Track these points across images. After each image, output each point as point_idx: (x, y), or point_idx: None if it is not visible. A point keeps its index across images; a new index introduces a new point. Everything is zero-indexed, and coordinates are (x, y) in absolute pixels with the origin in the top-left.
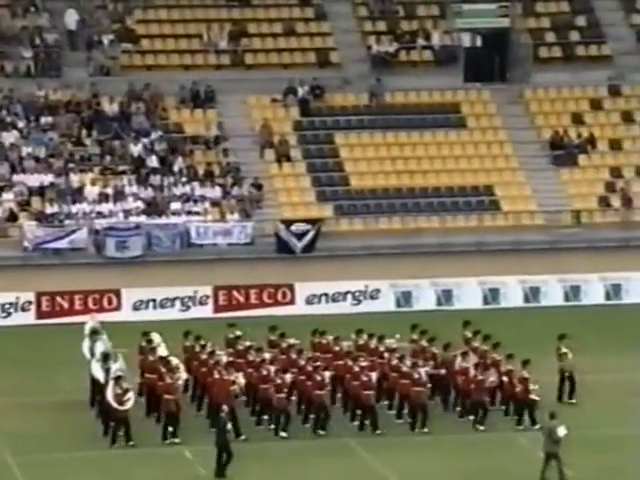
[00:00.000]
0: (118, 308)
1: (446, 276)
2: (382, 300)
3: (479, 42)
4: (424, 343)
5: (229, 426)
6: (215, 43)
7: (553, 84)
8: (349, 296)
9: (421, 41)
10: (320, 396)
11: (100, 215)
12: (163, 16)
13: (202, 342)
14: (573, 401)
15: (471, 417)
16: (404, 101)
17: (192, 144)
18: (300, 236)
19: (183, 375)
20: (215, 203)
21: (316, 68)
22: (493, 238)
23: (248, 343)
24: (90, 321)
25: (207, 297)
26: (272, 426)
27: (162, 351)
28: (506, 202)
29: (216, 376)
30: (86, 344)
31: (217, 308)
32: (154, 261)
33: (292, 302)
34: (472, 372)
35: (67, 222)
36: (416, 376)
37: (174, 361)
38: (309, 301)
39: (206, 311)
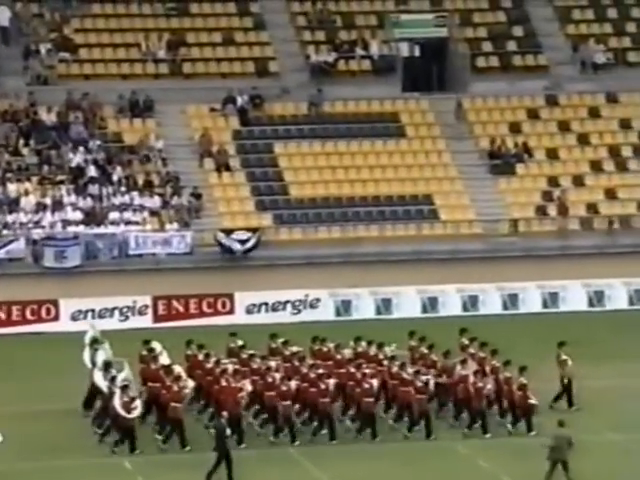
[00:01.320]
0: (56, 318)
1: (385, 285)
2: (322, 309)
3: (417, 52)
4: (423, 350)
5: (228, 432)
6: (154, 52)
7: (491, 94)
8: (289, 305)
9: (360, 51)
10: (325, 404)
11: (38, 225)
12: (101, 25)
13: (205, 351)
14: (573, 408)
15: (473, 426)
16: (343, 110)
17: (130, 154)
18: (242, 242)
19: (190, 383)
20: (154, 213)
21: (255, 77)
22: (432, 247)
23: (251, 351)
24: (90, 330)
25: (146, 307)
26: (271, 436)
27: (164, 359)
28: (444, 211)
29: (223, 384)
30: (87, 353)
31: (156, 318)
32: (93, 271)
33: (232, 312)
34: (471, 379)
35: (4, 232)
36: (419, 384)
37: (176, 369)
38: (249, 310)
39: (145, 321)
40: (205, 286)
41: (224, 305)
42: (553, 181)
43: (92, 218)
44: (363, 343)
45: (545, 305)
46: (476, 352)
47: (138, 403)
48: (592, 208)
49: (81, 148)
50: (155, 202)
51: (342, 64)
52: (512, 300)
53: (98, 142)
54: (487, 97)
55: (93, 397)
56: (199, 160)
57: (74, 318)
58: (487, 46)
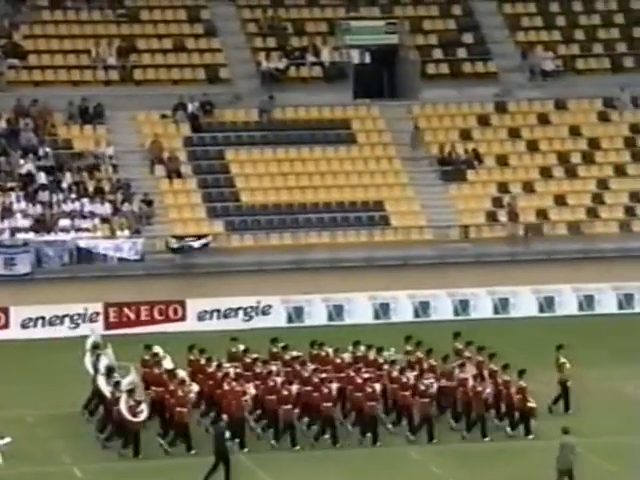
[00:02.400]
0: (6, 326)
1: (337, 291)
2: (274, 316)
3: (368, 59)
4: (419, 354)
5: (228, 434)
6: (104, 59)
7: (441, 100)
8: (240, 312)
9: (310, 57)
10: (328, 408)
11: None
12: (51, 31)
13: (206, 355)
14: (570, 411)
15: (472, 429)
16: (294, 117)
17: (81, 160)
18: (195, 242)
19: (195, 388)
20: (105, 219)
21: (206, 84)
22: (383, 253)
23: (255, 355)
24: (92, 336)
25: (97, 314)
26: (272, 440)
27: (168, 364)
28: (396, 217)
29: (226, 388)
30: (88, 359)
31: (108, 325)
32: (43, 278)
33: (183, 318)
34: (471, 383)
35: None
36: (422, 388)
37: (180, 373)
38: (200, 317)
39: (96, 328)
40: (156, 293)
41: (176, 312)
42: (503, 187)
43: (42, 225)
44: (362, 347)
45: (496, 311)
46: (472, 356)
47: (144, 407)
48: (542, 214)
49: (31, 155)
50: (106, 209)
51: (293, 71)
52: (463, 306)
53: (48, 149)
54: (437, 104)
55: (92, 401)
56: (150, 167)
57: (24, 326)
58: (437, 53)
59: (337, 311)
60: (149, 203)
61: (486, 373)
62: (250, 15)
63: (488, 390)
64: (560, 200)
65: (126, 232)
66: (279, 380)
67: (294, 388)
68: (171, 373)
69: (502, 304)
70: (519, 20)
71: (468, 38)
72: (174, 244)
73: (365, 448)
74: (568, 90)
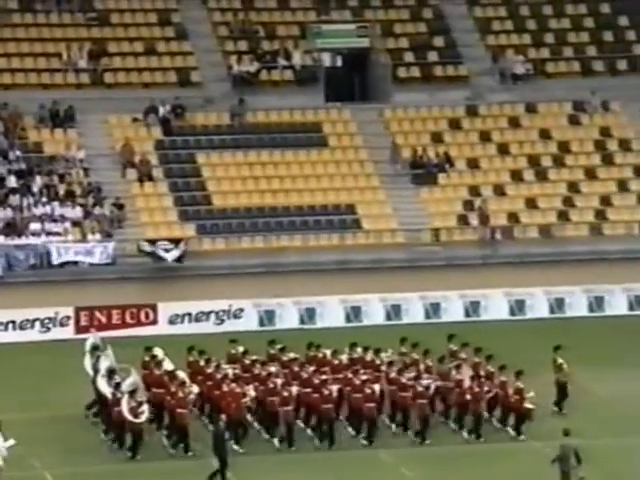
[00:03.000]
0: None
1: (309, 295)
2: (245, 319)
3: (339, 62)
4: (415, 356)
5: (227, 435)
6: (75, 62)
7: (412, 104)
8: (212, 315)
9: (282, 61)
10: (328, 410)
11: None
12: (21, 35)
13: (206, 356)
14: (564, 412)
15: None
16: (266, 120)
17: (51, 164)
18: (168, 250)
19: (195, 389)
20: (76, 223)
21: (177, 87)
22: (355, 256)
23: (254, 357)
24: (91, 337)
25: (68, 318)
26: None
27: (168, 365)
28: (367, 221)
29: (225, 389)
30: (87, 360)
31: (78, 329)
32: (13, 282)
33: (155, 322)
34: (467, 384)
35: None
36: (419, 389)
37: (180, 375)
38: (172, 321)
39: (67, 332)
40: (128, 297)
41: (147, 316)
42: (474, 190)
43: (12, 229)
44: (359, 349)
45: (467, 314)
46: (468, 357)
47: (145, 408)
48: (513, 217)
49: (1, 158)
50: (77, 212)
51: (264, 74)
52: (434, 309)
53: (18, 152)
54: (409, 107)
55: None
56: (121, 170)
57: None
58: (408, 56)
59: (309, 314)
60: (120, 207)
61: (483, 374)
62: (221, 18)
63: (485, 389)
64: (531, 203)
65: (97, 236)
66: (279, 382)
67: (294, 390)
68: (171, 374)
69: (473, 307)
70: (490, 24)
71: (439, 42)
72: (146, 247)
73: (334, 451)
74: (538, 93)
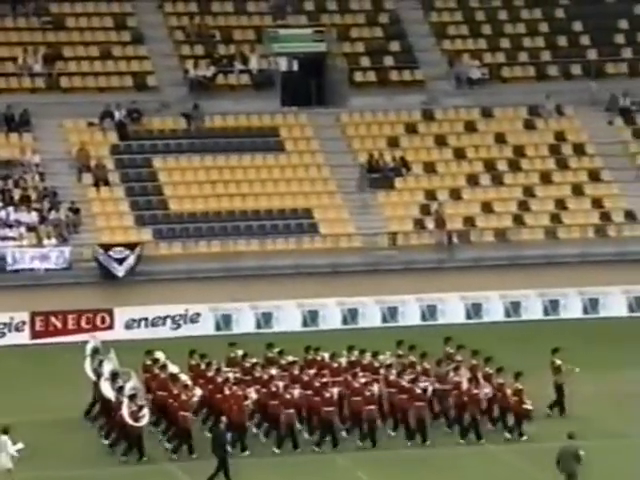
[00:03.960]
0: None
1: (266, 299)
2: (202, 324)
3: (295, 66)
4: (412, 358)
5: (228, 437)
6: (30, 66)
7: (368, 108)
8: (169, 320)
9: (238, 65)
10: (329, 413)
11: None
12: None
13: (207, 360)
14: (566, 414)
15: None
16: (222, 125)
17: (6, 168)
18: (120, 261)
19: (198, 392)
20: (31, 228)
21: (133, 91)
22: (312, 261)
23: (254, 360)
24: (91, 341)
25: (23, 323)
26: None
27: (172, 369)
28: (324, 225)
29: (227, 392)
30: (88, 364)
31: (34, 334)
32: None
33: (111, 327)
34: (465, 386)
35: None
36: (418, 391)
37: (183, 377)
38: (128, 326)
39: (22, 337)
40: (84, 302)
41: (103, 320)
42: (430, 195)
43: None
44: (355, 352)
45: (424, 318)
46: (463, 359)
47: (146, 412)
48: (469, 221)
49: None
50: (32, 217)
51: (221, 78)
52: (392, 313)
53: None
54: (365, 111)
55: (94, 406)
56: (77, 175)
57: None
58: (365, 61)
59: (266, 319)
60: (76, 211)
61: (481, 376)
62: (177, 23)
63: (486, 390)
64: (487, 207)
65: (53, 240)
66: (281, 385)
67: (296, 392)
68: (174, 377)
69: (430, 311)
70: (445, 28)
71: (395, 46)
72: (100, 257)
73: (288, 455)
74: (494, 98)
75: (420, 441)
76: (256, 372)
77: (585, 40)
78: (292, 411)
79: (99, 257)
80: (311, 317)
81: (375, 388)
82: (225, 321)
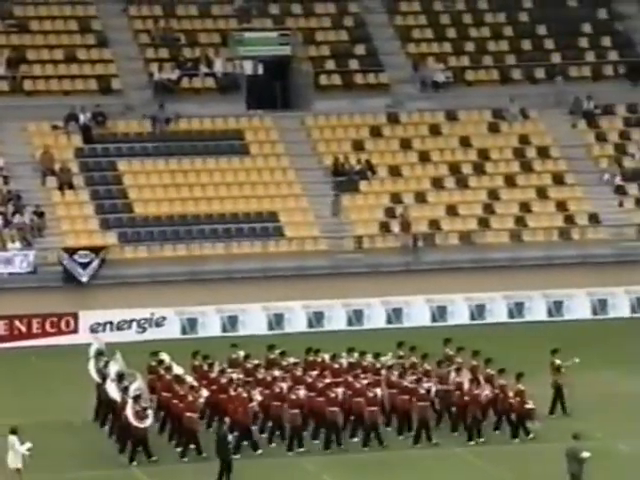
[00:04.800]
0: None
1: (231, 302)
2: (167, 327)
3: (261, 70)
4: (414, 359)
5: (230, 438)
6: None
7: (334, 111)
8: (134, 324)
9: (203, 68)
10: (333, 413)
11: None
12: None
13: (209, 361)
14: (567, 413)
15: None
16: (187, 128)
17: None
18: (85, 265)
19: (204, 393)
20: None
21: (98, 95)
22: (278, 264)
23: (256, 361)
24: (95, 343)
25: None
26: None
27: (177, 370)
28: (289, 228)
29: (232, 393)
30: (92, 366)
31: None
32: None
33: (76, 331)
34: (466, 387)
35: None
36: (421, 391)
37: (188, 379)
38: (93, 329)
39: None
40: (48, 305)
41: (68, 324)
42: (396, 198)
43: None
44: (355, 354)
45: (389, 321)
46: (464, 361)
47: (150, 413)
48: (434, 224)
49: None
50: None
51: (186, 82)
52: (357, 316)
53: None
54: (330, 115)
55: (102, 408)
56: (41, 178)
57: None
58: (330, 64)
59: (231, 322)
60: (40, 215)
61: (482, 377)
62: (142, 26)
63: (486, 392)
64: (452, 210)
65: (17, 244)
66: (285, 386)
67: (301, 393)
68: (179, 379)
69: (396, 314)
70: (410, 32)
71: (360, 49)
72: (65, 261)
73: (253, 459)
74: (458, 101)
75: (426, 440)
76: (259, 374)
77: (549, 44)
78: (297, 411)
79: (63, 261)
80: (277, 320)
81: (378, 390)
82: (191, 325)
